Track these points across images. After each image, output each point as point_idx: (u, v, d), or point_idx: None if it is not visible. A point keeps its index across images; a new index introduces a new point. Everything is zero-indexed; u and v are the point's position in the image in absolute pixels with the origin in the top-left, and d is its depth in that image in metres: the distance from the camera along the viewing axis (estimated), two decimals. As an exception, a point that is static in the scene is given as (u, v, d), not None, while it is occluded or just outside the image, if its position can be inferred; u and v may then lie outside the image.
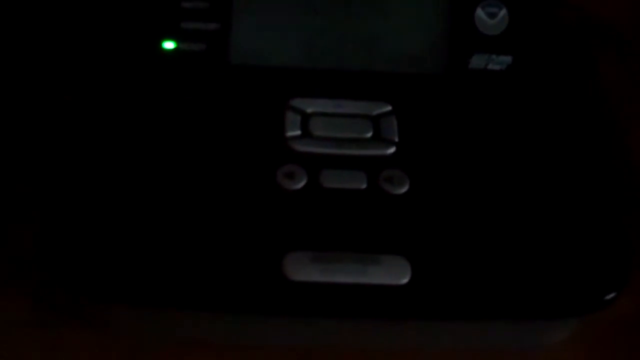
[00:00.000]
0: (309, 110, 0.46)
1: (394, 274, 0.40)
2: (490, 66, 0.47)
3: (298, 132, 0.45)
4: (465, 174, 0.44)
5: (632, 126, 0.53)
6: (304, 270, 0.40)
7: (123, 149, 0.44)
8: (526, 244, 0.42)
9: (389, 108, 0.46)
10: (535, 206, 0.43)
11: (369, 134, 0.45)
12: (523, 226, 0.42)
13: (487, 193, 0.43)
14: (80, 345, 0.43)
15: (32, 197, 0.46)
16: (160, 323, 0.42)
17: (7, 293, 0.44)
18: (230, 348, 0.43)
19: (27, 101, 0.49)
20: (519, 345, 0.44)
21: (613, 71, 0.55)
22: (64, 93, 0.47)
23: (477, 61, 0.47)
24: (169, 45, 0.47)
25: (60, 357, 0.43)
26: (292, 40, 0.47)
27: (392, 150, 0.45)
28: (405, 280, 0.40)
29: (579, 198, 0.44)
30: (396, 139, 0.45)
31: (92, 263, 0.40)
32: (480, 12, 0.48)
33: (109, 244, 0.40)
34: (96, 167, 0.43)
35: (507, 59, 0.47)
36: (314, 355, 0.43)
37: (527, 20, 0.48)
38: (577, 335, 0.44)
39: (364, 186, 0.43)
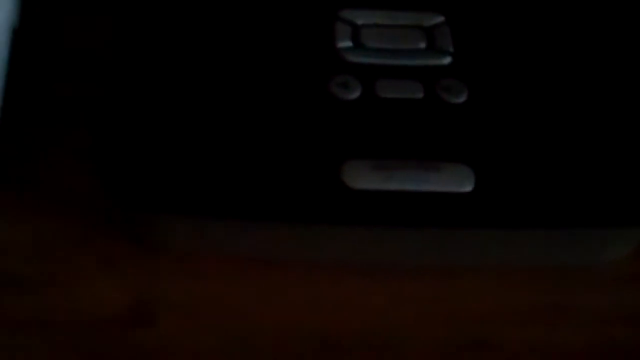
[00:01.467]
0: (360, 21, 0.44)
1: (458, 181, 0.39)
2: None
3: (349, 44, 0.43)
4: (525, 81, 0.42)
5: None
6: (364, 177, 0.39)
7: (169, 52, 0.42)
8: (592, 152, 0.40)
9: (442, 18, 0.44)
10: (600, 110, 0.41)
11: (423, 45, 0.44)
12: (588, 132, 0.41)
13: (549, 98, 0.42)
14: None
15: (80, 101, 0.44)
16: (214, 234, 0.41)
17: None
18: (286, 264, 0.42)
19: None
20: (583, 259, 0.42)
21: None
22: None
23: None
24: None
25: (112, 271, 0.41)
26: None
27: (448, 60, 0.43)
28: (469, 188, 0.39)
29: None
30: (451, 49, 0.43)
31: (148, 173, 0.38)
32: None
33: (161, 152, 0.39)
34: (142, 71, 0.42)
35: None
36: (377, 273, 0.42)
37: None
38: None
39: (421, 95, 0.42)
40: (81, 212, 0.43)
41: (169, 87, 0.41)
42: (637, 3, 0.45)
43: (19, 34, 0.46)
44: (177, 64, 0.42)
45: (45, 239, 0.42)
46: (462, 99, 0.42)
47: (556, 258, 0.42)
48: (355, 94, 0.42)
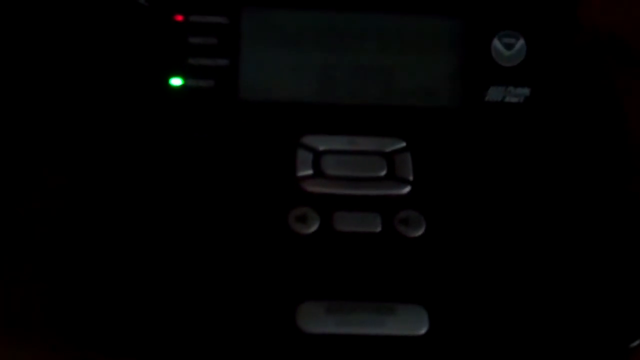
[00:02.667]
0: (321, 147, 0.45)
1: (412, 324, 0.39)
2: (507, 99, 0.46)
3: (310, 172, 0.44)
4: (484, 214, 0.43)
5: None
6: (318, 322, 0.39)
7: (129, 192, 0.42)
8: (548, 291, 0.40)
9: (403, 144, 0.45)
10: (559, 249, 0.41)
11: (383, 172, 0.44)
12: (546, 271, 0.41)
13: (508, 235, 0.42)
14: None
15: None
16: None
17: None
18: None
19: (30, 140, 0.47)
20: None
21: (633, 91, 0.54)
22: (69, 132, 0.46)
23: (494, 94, 0.46)
24: (176, 81, 0.45)
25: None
26: (303, 74, 0.46)
27: (407, 189, 0.43)
28: (423, 331, 0.39)
29: (604, 241, 0.42)
30: (411, 178, 0.44)
31: (102, 317, 0.39)
32: (496, 43, 0.46)
33: (116, 296, 0.39)
34: (101, 211, 0.42)
35: (525, 91, 0.46)
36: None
37: (546, 50, 0.46)
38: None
39: (378, 229, 0.42)
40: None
41: (120, 223, 0.42)
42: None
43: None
44: (128, 200, 0.42)
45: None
46: (419, 232, 0.42)
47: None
48: (312, 228, 0.42)
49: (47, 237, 0.43)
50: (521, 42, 0.46)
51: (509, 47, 0.46)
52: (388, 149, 0.44)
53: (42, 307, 0.42)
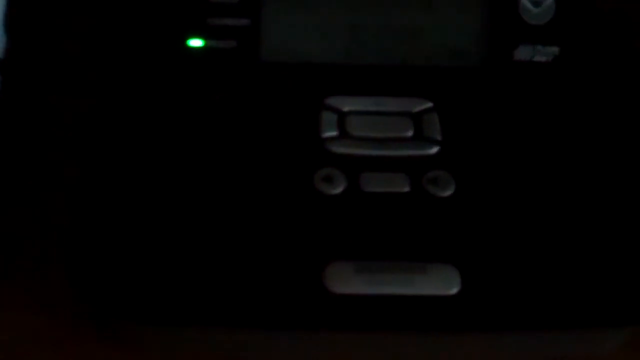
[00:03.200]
0: (346, 108, 0.43)
1: (443, 283, 0.38)
2: (536, 57, 0.45)
3: (335, 133, 0.42)
4: (514, 173, 0.41)
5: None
6: (347, 282, 0.38)
7: (150, 154, 0.41)
8: (580, 249, 0.39)
9: (430, 105, 0.43)
10: (590, 206, 0.40)
11: (410, 133, 0.43)
12: (577, 228, 0.39)
13: (539, 192, 0.41)
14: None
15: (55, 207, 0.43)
16: (194, 340, 0.40)
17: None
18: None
19: (47, 101, 0.46)
20: (575, 353, 0.41)
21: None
22: (86, 96, 0.45)
23: (522, 52, 0.45)
24: (195, 42, 0.44)
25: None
26: (326, 35, 0.45)
27: (435, 149, 0.42)
28: (455, 291, 0.38)
29: (634, 197, 0.41)
30: (439, 138, 0.42)
31: (127, 282, 0.38)
32: (524, 1, 0.45)
33: (140, 260, 0.38)
34: (122, 173, 0.41)
35: (554, 49, 0.45)
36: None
37: (574, 8, 0.45)
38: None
39: (407, 189, 0.41)
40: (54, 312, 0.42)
41: (142, 185, 0.40)
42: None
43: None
44: (150, 162, 0.41)
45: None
46: (449, 192, 0.41)
47: (548, 354, 0.41)
48: (339, 189, 0.41)
49: (68, 202, 0.42)
50: (550, 0, 0.45)
51: (537, 4, 0.45)
52: (415, 110, 0.43)
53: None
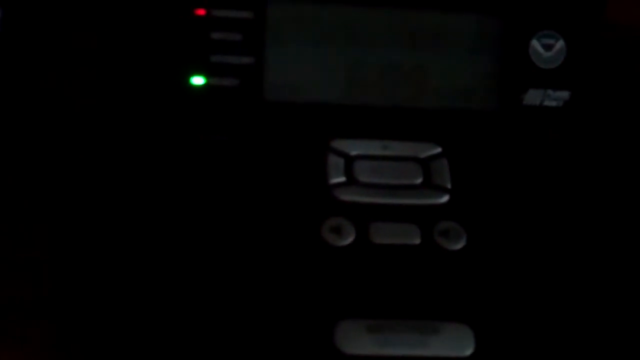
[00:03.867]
0: (353, 152, 0.42)
1: (457, 344, 0.37)
2: (546, 102, 0.44)
3: (342, 179, 0.41)
4: (526, 223, 0.40)
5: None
6: (359, 342, 0.37)
7: (147, 197, 0.40)
8: (598, 307, 0.38)
9: (439, 150, 0.42)
10: (606, 262, 0.39)
11: (419, 180, 0.42)
12: (595, 286, 0.39)
13: (553, 245, 0.40)
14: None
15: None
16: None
17: None
18: None
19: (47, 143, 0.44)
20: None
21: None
22: (87, 133, 0.43)
23: (532, 97, 0.44)
24: (198, 80, 0.43)
25: None
26: (332, 73, 0.43)
27: (445, 198, 0.41)
28: (469, 352, 0.37)
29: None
30: (449, 185, 0.41)
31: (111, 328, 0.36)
32: (535, 44, 0.44)
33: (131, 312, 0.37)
34: (117, 216, 0.39)
35: (565, 94, 0.44)
36: None
37: (585, 52, 0.44)
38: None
39: (417, 241, 0.40)
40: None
41: (140, 230, 0.39)
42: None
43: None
44: (148, 205, 0.40)
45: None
46: (460, 244, 0.40)
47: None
48: (348, 240, 0.39)
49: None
50: (560, 43, 0.44)
51: (548, 48, 0.44)
52: (423, 155, 0.42)
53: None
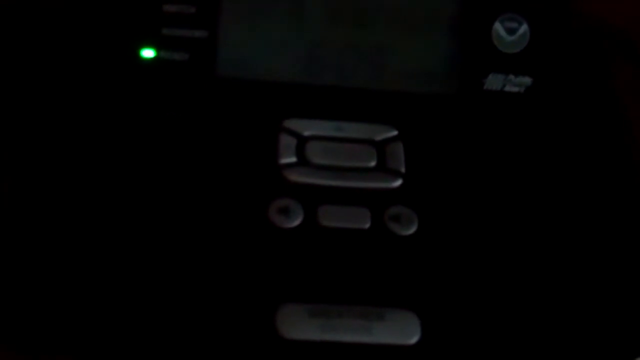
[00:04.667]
0: (306, 133, 0.41)
1: (402, 332, 0.36)
2: (507, 88, 0.43)
3: (293, 159, 0.40)
4: (480, 210, 0.39)
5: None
6: (300, 326, 0.35)
7: (96, 171, 0.38)
8: (549, 295, 0.37)
9: (395, 132, 0.41)
10: (558, 249, 0.38)
11: (373, 163, 0.40)
12: (546, 272, 0.38)
13: (506, 233, 0.39)
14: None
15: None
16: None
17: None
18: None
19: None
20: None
21: (629, 80, 0.51)
22: (33, 107, 0.41)
23: (493, 81, 0.42)
24: (148, 53, 0.41)
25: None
26: (288, 51, 0.42)
27: (398, 182, 0.40)
28: (414, 340, 0.36)
29: (603, 239, 0.39)
30: (403, 170, 0.40)
31: (60, 313, 0.35)
32: (498, 27, 0.43)
33: (86, 291, 0.35)
34: (67, 187, 0.38)
35: (527, 80, 0.43)
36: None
37: (549, 37, 0.43)
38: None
39: (367, 225, 0.38)
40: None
41: (86, 203, 0.38)
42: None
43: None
44: (96, 180, 0.38)
45: None
46: (411, 230, 0.38)
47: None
48: (295, 222, 0.38)
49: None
50: (524, 27, 0.43)
51: (511, 32, 0.43)
52: (378, 138, 0.41)
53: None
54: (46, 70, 0.41)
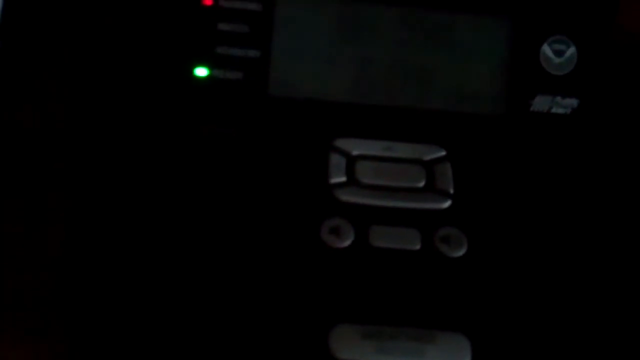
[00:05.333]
0: (355, 152, 0.41)
1: (453, 354, 0.36)
2: (554, 109, 0.43)
3: (343, 179, 0.40)
4: (530, 232, 0.40)
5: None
6: (353, 348, 0.36)
7: (150, 190, 0.39)
8: (605, 316, 0.38)
9: (443, 153, 0.42)
10: (612, 272, 0.39)
11: (422, 183, 0.41)
12: (600, 295, 0.38)
13: (555, 253, 0.39)
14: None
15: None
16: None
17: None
18: None
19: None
20: None
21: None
22: (90, 125, 0.42)
23: (540, 103, 0.43)
24: (201, 72, 0.42)
25: None
26: (338, 71, 0.42)
27: (447, 203, 0.40)
28: (465, 362, 0.36)
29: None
30: (451, 190, 0.41)
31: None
32: (546, 49, 0.43)
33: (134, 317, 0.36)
34: (117, 211, 0.39)
35: (573, 102, 0.43)
36: None
37: (597, 59, 0.43)
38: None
39: (417, 247, 0.39)
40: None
41: (140, 224, 0.38)
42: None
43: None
44: (149, 199, 0.39)
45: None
46: (461, 251, 0.39)
47: None
48: (347, 242, 0.39)
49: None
50: (572, 50, 0.43)
51: (559, 54, 0.43)
52: (427, 157, 0.41)
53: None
54: (102, 89, 0.42)
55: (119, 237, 0.38)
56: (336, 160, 0.41)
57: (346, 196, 0.40)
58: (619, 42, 0.47)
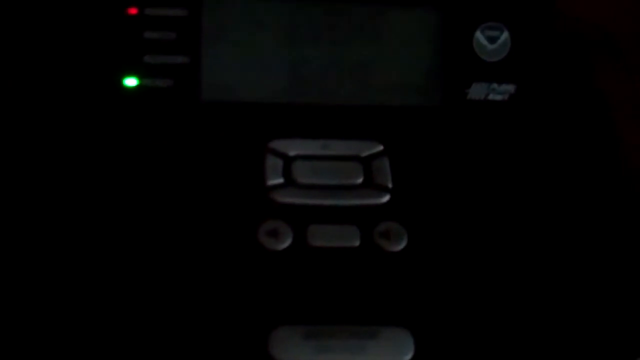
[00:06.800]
0: (292, 153, 0.41)
1: (396, 349, 0.36)
2: (491, 96, 0.43)
3: (280, 180, 0.40)
4: (469, 222, 0.39)
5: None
6: (294, 348, 0.35)
7: (78, 201, 0.38)
8: (543, 309, 0.37)
9: (381, 148, 0.41)
10: (550, 259, 0.38)
11: (360, 180, 0.40)
12: (539, 285, 0.38)
13: (496, 245, 0.39)
14: None
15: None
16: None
17: None
18: None
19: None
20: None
21: (613, 81, 0.51)
22: (17, 134, 0.41)
23: (476, 91, 0.43)
24: (130, 82, 0.41)
25: None
26: (271, 72, 0.42)
27: (386, 198, 0.40)
28: (408, 357, 0.36)
29: (596, 237, 0.39)
30: (390, 185, 0.40)
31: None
32: (479, 36, 0.43)
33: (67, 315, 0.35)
34: (48, 222, 0.38)
35: (510, 87, 0.43)
36: None
37: (531, 43, 0.43)
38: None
39: (357, 243, 0.38)
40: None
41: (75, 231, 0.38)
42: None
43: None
44: (81, 209, 0.38)
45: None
46: (401, 245, 0.39)
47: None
48: (285, 243, 0.38)
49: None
50: (505, 35, 0.43)
51: (492, 40, 0.43)
52: (364, 154, 0.41)
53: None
54: (30, 100, 0.42)
55: (50, 251, 0.37)
56: (272, 162, 0.41)
57: (283, 197, 0.39)
58: (560, 27, 0.47)
